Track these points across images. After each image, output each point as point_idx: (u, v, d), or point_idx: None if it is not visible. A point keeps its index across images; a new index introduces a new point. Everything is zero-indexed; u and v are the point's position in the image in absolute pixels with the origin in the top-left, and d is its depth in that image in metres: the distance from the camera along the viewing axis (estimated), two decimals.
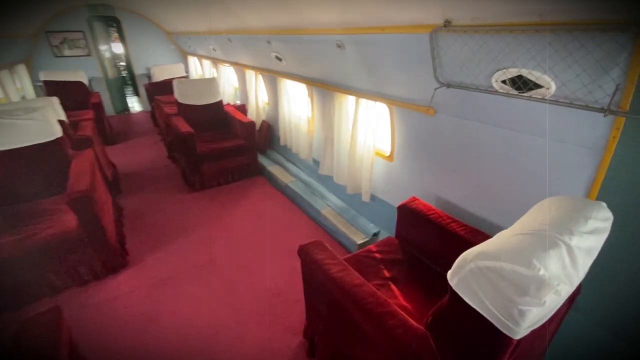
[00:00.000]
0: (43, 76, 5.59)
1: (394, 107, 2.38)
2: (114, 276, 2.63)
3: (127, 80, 10.27)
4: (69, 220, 2.38)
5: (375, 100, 2.45)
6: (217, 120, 4.62)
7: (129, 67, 10.00)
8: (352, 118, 2.81)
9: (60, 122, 3.23)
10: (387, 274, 1.92)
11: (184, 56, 8.17)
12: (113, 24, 9.53)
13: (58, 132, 2.74)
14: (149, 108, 7.53)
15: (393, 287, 1.83)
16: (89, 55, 7.17)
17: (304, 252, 1.70)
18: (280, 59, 3.45)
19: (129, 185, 4.15)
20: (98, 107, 5.42)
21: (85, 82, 5.93)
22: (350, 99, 2.83)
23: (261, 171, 4.45)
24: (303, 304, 2.01)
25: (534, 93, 1.42)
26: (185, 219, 3.47)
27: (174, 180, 4.32)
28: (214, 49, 5.47)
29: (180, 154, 4.14)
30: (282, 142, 4.20)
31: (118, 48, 9.82)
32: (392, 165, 2.61)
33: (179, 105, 4.42)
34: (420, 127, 2.22)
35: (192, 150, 3.81)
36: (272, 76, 4.10)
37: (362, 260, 2.01)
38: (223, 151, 4.04)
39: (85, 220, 2.37)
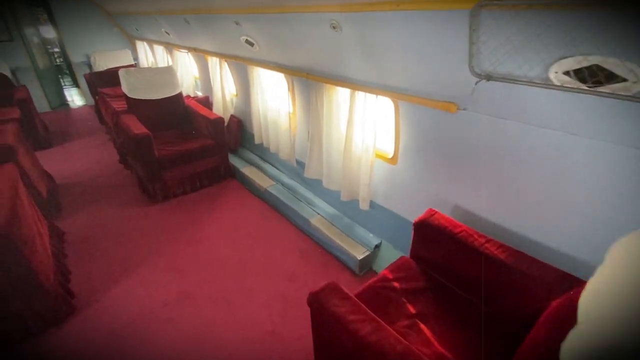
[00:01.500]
0: None
1: (401, 102, 2.00)
2: (58, 328, 2.05)
3: (63, 69, 8.89)
4: None
5: (377, 93, 2.05)
6: (177, 116, 3.97)
7: (64, 55, 8.65)
8: (346, 114, 2.40)
9: None
10: (412, 309, 1.58)
11: (130, 41, 7.14)
12: (38, 3, 8.11)
13: None
14: (92, 102, 6.51)
15: (423, 327, 1.50)
16: (10, 40, 5.96)
17: (317, 303, 1.29)
18: (251, 44, 2.91)
19: (72, 201, 3.43)
20: (25, 103, 4.47)
21: (8, 73, 4.88)
22: (343, 92, 2.40)
23: (233, 174, 3.92)
24: (305, 342, 1.62)
25: (612, 88, 1.10)
26: (146, 239, 2.89)
27: (129, 190, 3.65)
28: (167, 32, 4.70)
29: (135, 159, 3.48)
30: (257, 140, 3.68)
31: (49, 32, 8.41)
32: (396, 169, 2.25)
33: (129, 100, 3.70)
34: (435, 126, 1.86)
35: (150, 154, 3.18)
36: (241, 64, 3.53)
37: (380, 293, 1.65)
38: (187, 153, 3.44)
39: (6, 267, 1.76)
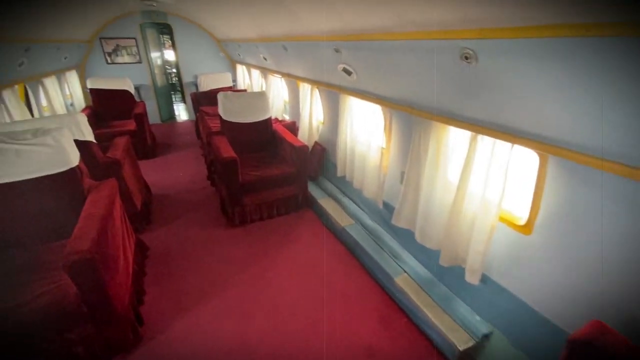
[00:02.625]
0: (90, 83, 5.38)
1: (552, 157, 1.46)
2: (122, 358, 1.97)
3: (176, 87, 10.23)
4: (70, 285, 1.76)
5: (515, 142, 1.55)
6: (264, 140, 3.96)
7: (178, 75, 9.96)
8: (459, 160, 1.93)
9: (87, 143, 2.73)
10: None
11: (232, 65, 7.79)
12: (166, 30, 9.53)
13: (73, 161, 2.19)
14: (194, 117, 7.21)
15: None
16: (139, 62, 7.01)
17: None
18: (349, 73, 2.67)
19: (161, 213, 3.60)
20: (141, 117, 5.05)
21: (132, 90, 5.65)
22: (460, 133, 1.95)
23: (311, 204, 3.69)
24: None
25: None
26: (220, 267, 2.78)
27: (212, 208, 3.70)
28: (264, 58, 4.88)
29: (221, 180, 3.52)
30: (339, 173, 3.41)
31: (170, 55, 9.80)
32: (529, 241, 1.68)
33: (223, 122, 3.82)
34: (613, 198, 1.28)
35: (234, 178, 3.14)
36: (334, 92, 3.33)
37: None
38: (269, 179, 3.34)
39: (85, 289, 1.73)
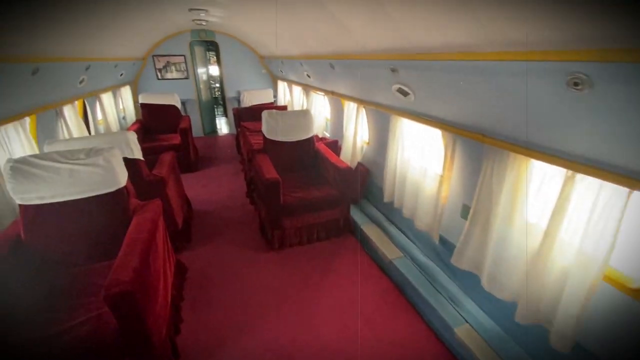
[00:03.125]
0: (141, 99, 5.63)
1: None
2: None
3: (218, 100, 10.59)
4: (110, 315, 1.68)
5: (636, 187, 1.24)
6: (306, 160, 3.83)
7: (222, 89, 10.32)
8: (548, 200, 1.63)
9: (135, 160, 2.73)
10: None
11: (273, 81, 7.89)
12: (212, 47, 9.96)
13: (121, 181, 2.16)
14: (234, 131, 7.33)
15: None
16: (187, 78, 7.31)
17: None
18: (405, 93, 2.46)
19: (201, 231, 3.55)
20: (185, 132, 5.17)
21: (179, 105, 5.84)
22: (548, 169, 1.65)
23: (353, 229, 3.46)
24: None
25: None
26: (258, 295, 2.63)
27: (251, 228, 3.59)
28: (308, 75, 4.81)
29: (261, 200, 3.42)
30: (386, 198, 3.16)
31: (214, 70, 10.21)
32: None
33: (266, 140, 3.75)
34: None
35: (276, 200, 3.01)
36: (383, 112, 3.12)
37: None
38: (310, 202, 3.17)
39: (124, 322, 1.63)
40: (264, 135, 3.77)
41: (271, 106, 6.59)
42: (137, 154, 2.75)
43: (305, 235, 3.26)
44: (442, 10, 1.48)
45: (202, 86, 7.81)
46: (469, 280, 2.19)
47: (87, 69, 3.82)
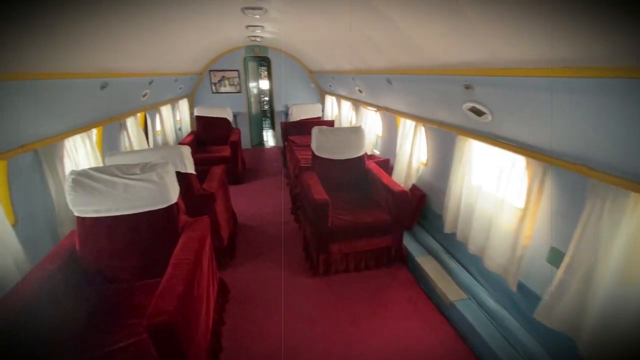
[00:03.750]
0: (197, 111, 5.86)
1: None
2: None
3: (266, 113, 10.86)
4: (150, 342, 1.57)
5: None
6: (356, 179, 3.61)
7: (270, 103, 10.58)
8: None
9: (187, 175, 2.72)
10: None
11: (321, 95, 7.87)
12: (264, 62, 10.30)
13: (172, 198, 2.12)
14: (281, 144, 7.38)
15: None
16: (239, 92, 7.56)
17: None
18: (480, 113, 2.15)
19: (245, 247, 3.46)
20: (235, 145, 5.25)
21: (230, 118, 6.00)
22: None
23: (405, 259, 3.14)
24: None
25: None
26: (301, 325, 2.42)
27: (295, 249, 3.43)
28: (359, 90, 4.64)
29: (306, 219, 3.25)
30: (447, 229, 2.81)
31: (264, 85, 10.53)
32: None
33: (314, 157, 3.60)
34: None
35: (324, 222, 2.82)
36: (447, 132, 2.82)
37: None
38: (360, 227, 2.93)
39: (164, 353, 1.51)
40: (312, 152, 3.63)
41: (319, 121, 6.53)
42: (190, 168, 2.74)
43: (352, 262, 3.01)
44: (537, 19, 1.21)
45: (252, 100, 8.03)
46: (560, 342, 1.78)
47: (150, 83, 4.02)
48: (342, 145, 3.49)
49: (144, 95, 4.04)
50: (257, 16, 3.53)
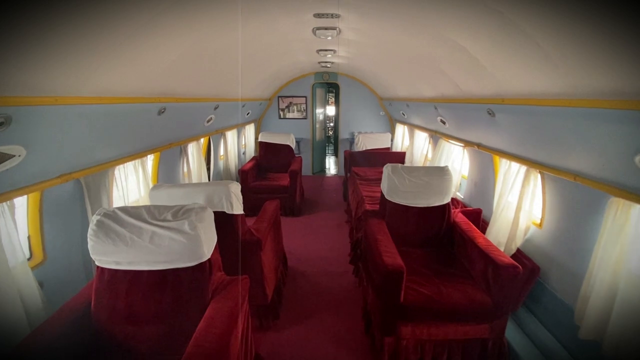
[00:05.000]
0: (261, 137, 5.71)
1: None
2: None
3: (330, 139, 10.57)
4: None
5: None
6: (437, 233, 2.83)
7: (335, 129, 10.29)
8: None
9: (233, 216, 2.31)
10: None
11: (390, 124, 7.24)
12: (332, 89, 10.13)
13: (204, 254, 1.68)
14: (342, 173, 6.87)
15: None
16: (305, 118, 7.36)
17: None
18: None
19: (292, 304, 2.89)
20: (295, 175, 4.87)
21: (293, 145, 5.71)
22: None
23: (506, 357, 2.22)
24: None
25: None
26: None
27: (353, 314, 2.74)
28: (442, 121, 3.91)
29: (370, 281, 2.58)
30: (584, 333, 1.87)
31: (330, 111, 10.31)
32: None
33: (385, 202, 2.93)
34: None
35: (394, 296, 2.11)
36: (590, 189, 1.94)
37: None
38: (445, 308, 2.14)
39: None
40: (382, 194, 2.98)
41: (387, 152, 5.88)
42: (237, 208, 2.32)
43: (430, 353, 2.21)
44: None
45: (317, 126, 7.76)
46: None
47: (215, 108, 3.88)
48: (422, 190, 2.77)
49: (208, 121, 3.92)
50: (329, 37, 3.15)
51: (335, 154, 9.19)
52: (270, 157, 5.64)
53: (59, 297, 1.84)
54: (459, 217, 2.87)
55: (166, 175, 3.30)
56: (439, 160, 4.21)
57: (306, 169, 7.37)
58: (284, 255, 3.34)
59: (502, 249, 2.55)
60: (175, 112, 2.89)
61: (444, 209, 2.82)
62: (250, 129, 6.57)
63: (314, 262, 3.64)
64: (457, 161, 3.83)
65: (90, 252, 1.64)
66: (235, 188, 2.31)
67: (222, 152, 5.05)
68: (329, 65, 5.78)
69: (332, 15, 2.38)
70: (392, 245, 2.37)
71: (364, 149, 5.82)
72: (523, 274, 2.37)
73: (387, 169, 2.86)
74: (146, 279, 1.64)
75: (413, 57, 3.12)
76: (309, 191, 6.19)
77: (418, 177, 2.77)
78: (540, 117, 2.08)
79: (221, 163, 5.07)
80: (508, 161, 2.73)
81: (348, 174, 5.72)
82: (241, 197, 2.40)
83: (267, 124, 7.32)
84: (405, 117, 5.77)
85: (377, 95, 7.13)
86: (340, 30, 2.93)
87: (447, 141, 4.09)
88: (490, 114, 2.56)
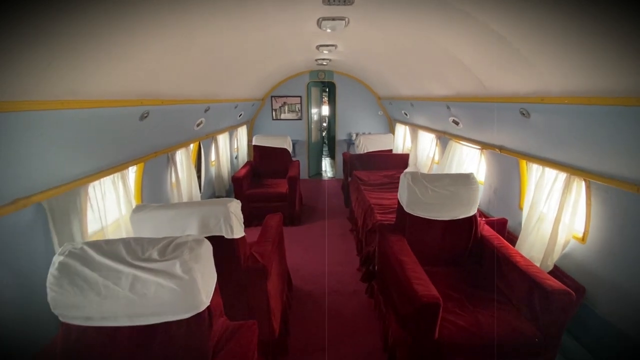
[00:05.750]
0: (255, 140, 5.31)
1: None
2: None
3: (325, 140, 10.21)
4: None
5: None
6: (464, 249, 2.52)
7: (330, 129, 9.93)
8: None
9: (234, 241, 1.94)
10: None
11: (390, 125, 6.95)
12: (326, 88, 9.79)
13: (202, 302, 1.30)
14: (340, 175, 6.52)
15: None
16: (300, 119, 6.99)
17: None
18: None
19: (301, 333, 2.53)
20: (294, 181, 4.51)
21: (290, 149, 5.34)
22: None
23: None
24: None
25: None
26: None
27: (371, 345, 2.40)
28: (455, 122, 3.61)
29: (390, 306, 2.24)
30: None
31: (326, 111, 9.96)
32: None
33: (403, 215, 2.59)
34: None
35: (428, 333, 1.79)
36: None
37: None
38: (486, 342, 1.82)
39: None
40: (400, 207, 2.64)
41: (390, 154, 5.57)
42: (238, 231, 1.95)
43: None
44: None
45: (313, 126, 7.40)
46: None
47: (206, 111, 3.49)
48: (447, 201, 2.45)
49: (198, 125, 3.51)
50: (333, 30, 2.79)
51: (332, 155, 8.86)
52: (266, 161, 5.26)
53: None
54: (485, 229, 2.57)
55: (151, 188, 2.89)
56: (449, 164, 3.92)
57: (302, 173, 6.99)
58: (288, 275, 2.99)
59: (537, 265, 2.26)
60: (161, 117, 2.50)
61: (470, 222, 2.51)
62: (242, 132, 6.16)
63: (320, 279, 3.29)
64: (472, 165, 3.54)
65: (50, 304, 1.24)
66: (236, 207, 1.93)
67: (213, 157, 4.64)
68: (325, 63, 5.43)
69: (344, 1, 2.03)
70: (420, 269, 2.04)
71: (365, 151, 5.49)
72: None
73: (406, 177, 2.53)
74: (127, 338, 1.26)
75: (428, 52, 2.80)
76: (307, 196, 5.83)
77: (442, 186, 2.45)
78: (591, 118, 1.78)
79: (213, 169, 4.65)
80: (540, 166, 2.44)
81: (349, 178, 5.38)
82: (242, 216, 2.03)
83: (260, 126, 6.92)
84: (408, 117, 5.47)
85: (375, 95, 6.82)
86: (348, 21, 2.58)
87: (458, 143, 3.80)
88: (524, 114, 2.26)
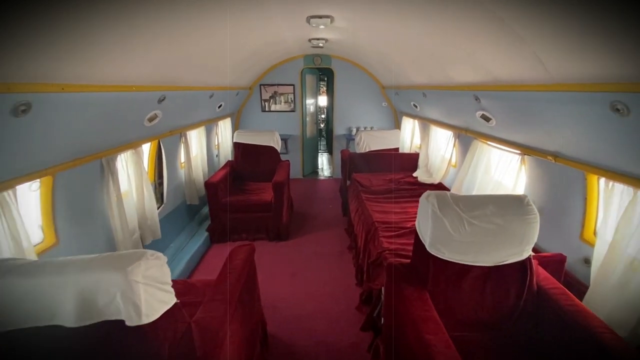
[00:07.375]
0: (236, 137, 4.49)
1: None
2: None
3: (322, 133, 9.36)
4: None
5: None
6: (517, 309, 1.73)
7: (327, 122, 9.09)
8: None
9: (145, 329, 1.15)
10: None
11: (395, 118, 6.12)
12: (324, 76, 8.90)
13: None
14: (338, 174, 5.72)
15: None
16: (293, 110, 6.15)
17: None
18: None
19: None
20: (281, 188, 3.72)
21: (278, 147, 4.51)
22: None
23: None
24: None
25: None
26: None
27: None
28: (484, 118, 2.80)
29: None
30: None
31: (322, 101, 9.10)
32: None
33: (427, 258, 1.76)
34: None
35: None
36: None
37: None
38: None
39: None
40: (420, 244, 1.84)
41: (397, 153, 4.76)
42: (153, 309, 1.15)
43: None
44: None
45: (308, 119, 6.56)
46: None
47: (160, 101, 2.66)
48: (490, 238, 1.66)
49: (150, 120, 2.70)
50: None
51: (329, 150, 8.05)
52: (249, 162, 4.45)
53: None
54: (542, 276, 1.78)
55: (72, 209, 2.08)
56: (474, 171, 3.12)
57: (295, 172, 6.20)
58: (261, 322, 2.22)
59: (621, 334, 1.49)
60: (94, 110, 1.68)
61: (523, 268, 1.71)
62: (225, 125, 5.32)
63: (307, 322, 2.53)
64: (507, 176, 2.73)
65: None
66: (150, 269, 1.13)
67: (183, 158, 3.81)
68: (321, 45, 4.56)
69: None
70: (453, 349, 1.26)
71: (367, 150, 4.68)
72: None
73: (428, 201, 1.71)
74: None
75: (459, 23, 1.97)
76: (299, 200, 5.04)
77: (485, 217, 1.64)
78: None
79: (182, 173, 3.84)
80: (627, 187, 1.64)
81: (348, 182, 4.59)
82: (168, 278, 1.23)
83: (247, 119, 6.10)
84: (418, 109, 4.64)
85: (379, 83, 5.97)
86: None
87: (486, 143, 3.00)
88: (619, 110, 1.45)
